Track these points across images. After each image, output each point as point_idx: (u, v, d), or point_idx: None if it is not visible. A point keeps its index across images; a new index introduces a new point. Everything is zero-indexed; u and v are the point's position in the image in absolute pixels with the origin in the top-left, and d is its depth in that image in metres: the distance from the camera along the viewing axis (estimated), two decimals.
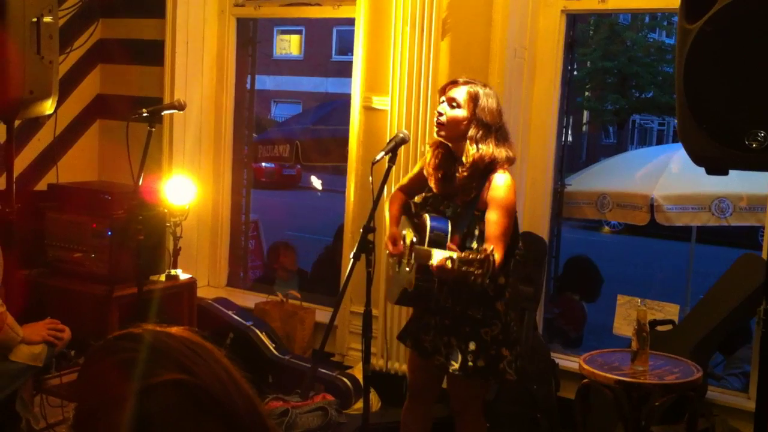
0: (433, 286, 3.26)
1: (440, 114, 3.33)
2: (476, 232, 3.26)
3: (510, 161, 3.32)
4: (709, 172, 2.75)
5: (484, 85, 3.38)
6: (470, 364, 3.30)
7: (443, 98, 3.36)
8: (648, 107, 24.03)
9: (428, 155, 3.47)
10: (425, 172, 3.47)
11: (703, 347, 4.02)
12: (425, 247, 3.18)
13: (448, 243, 3.18)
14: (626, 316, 4.26)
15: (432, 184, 3.43)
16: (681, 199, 6.22)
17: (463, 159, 3.29)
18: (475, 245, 3.23)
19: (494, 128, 3.30)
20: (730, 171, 2.75)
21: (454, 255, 2.92)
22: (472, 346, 3.30)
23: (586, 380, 3.59)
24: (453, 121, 3.31)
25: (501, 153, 3.28)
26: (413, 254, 3.28)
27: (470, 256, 2.88)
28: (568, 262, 6.43)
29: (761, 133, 2.49)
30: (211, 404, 1.14)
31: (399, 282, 3.41)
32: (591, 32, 22.52)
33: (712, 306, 4.13)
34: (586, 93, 23.95)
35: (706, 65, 2.59)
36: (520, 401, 4.31)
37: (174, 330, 1.24)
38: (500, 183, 3.25)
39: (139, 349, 1.17)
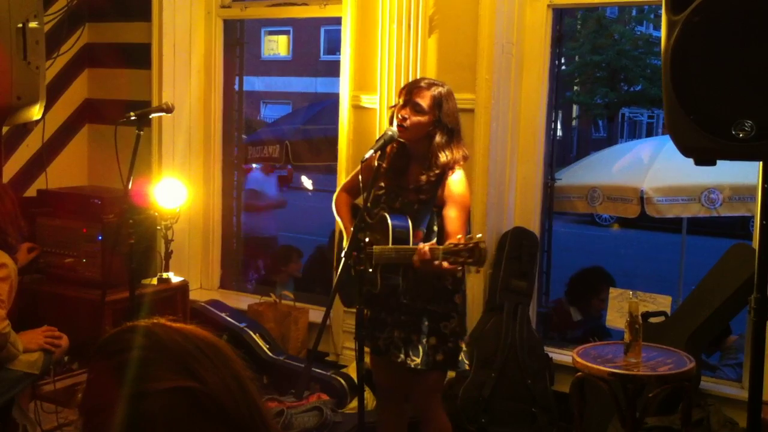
0: (398, 282, 3.32)
1: (404, 119, 3.36)
2: (435, 228, 3.36)
3: (465, 159, 3.44)
4: (698, 162, 2.75)
5: (443, 85, 3.44)
6: (431, 359, 3.37)
7: (406, 100, 3.38)
8: (637, 100, 24.07)
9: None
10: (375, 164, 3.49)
11: (697, 338, 4.03)
12: (390, 245, 3.26)
13: (411, 239, 3.27)
14: (619, 308, 4.27)
15: (383, 177, 3.47)
16: (671, 190, 6.23)
17: (433, 165, 3.35)
18: (435, 241, 3.30)
19: (455, 132, 3.40)
20: (720, 161, 2.76)
21: (438, 248, 3.02)
22: (432, 340, 3.38)
23: (580, 373, 3.59)
24: (416, 126, 3.36)
25: (459, 154, 3.40)
26: (374, 254, 3.30)
27: (457, 248, 2.98)
28: (578, 275, 6.43)
29: (748, 122, 2.50)
30: (218, 413, 1.13)
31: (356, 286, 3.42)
32: (579, 26, 22.55)
33: (704, 297, 4.14)
34: (576, 87, 24.00)
35: (692, 56, 2.60)
36: (517, 397, 4.32)
37: (187, 328, 1.22)
38: (456, 180, 3.36)
39: (149, 347, 1.17)
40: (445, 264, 3.05)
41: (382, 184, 3.50)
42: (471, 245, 2.95)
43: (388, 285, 3.34)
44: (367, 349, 3.70)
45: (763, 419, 2.97)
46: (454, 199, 3.34)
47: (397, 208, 3.42)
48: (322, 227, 7.68)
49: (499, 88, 4.48)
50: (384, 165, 3.41)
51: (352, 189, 3.68)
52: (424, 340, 3.37)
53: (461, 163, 3.41)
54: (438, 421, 3.56)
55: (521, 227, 4.58)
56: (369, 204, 3.48)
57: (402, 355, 3.40)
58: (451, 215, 3.32)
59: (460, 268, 3.14)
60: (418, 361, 3.37)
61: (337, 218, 3.64)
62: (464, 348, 3.49)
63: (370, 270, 3.33)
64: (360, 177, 3.43)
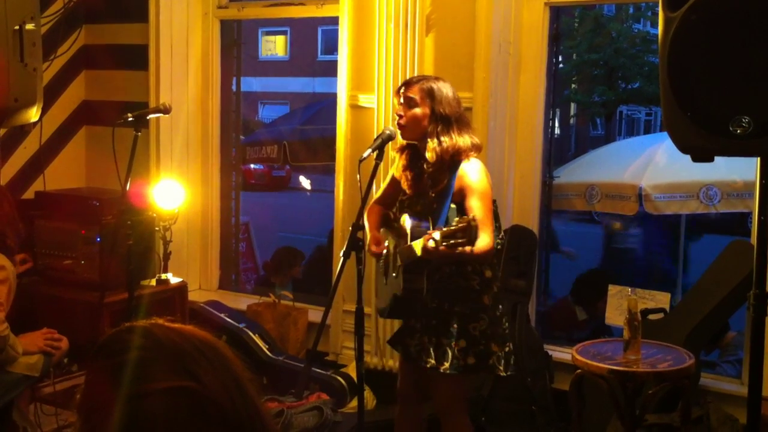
0: (422, 286, 3.25)
1: (400, 116, 3.36)
2: (454, 224, 3.28)
3: (476, 148, 3.37)
4: (695, 159, 2.75)
5: (437, 79, 3.42)
6: (461, 362, 3.31)
7: (400, 98, 3.38)
8: (635, 98, 24.04)
9: (397, 159, 3.50)
10: (397, 176, 3.49)
11: (696, 335, 4.03)
12: (408, 243, 3.22)
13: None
14: (618, 306, 4.27)
15: (404, 185, 3.47)
16: (669, 187, 6.23)
17: (427, 155, 3.32)
18: None
19: (454, 119, 3.34)
20: (717, 158, 2.76)
21: (435, 234, 2.93)
22: (461, 343, 3.31)
23: (579, 371, 3.59)
24: (413, 120, 3.34)
25: (465, 141, 3.33)
26: (398, 257, 3.29)
27: (451, 229, 2.88)
28: (584, 276, 6.44)
29: (745, 119, 2.50)
30: (216, 414, 1.13)
31: (388, 294, 3.41)
32: (576, 25, 22.52)
33: (703, 294, 4.14)
34: (573, 86, 23.97)
35: (689, 53, 2.60)
36: (516, 395, 4.31)
37: (185, 329, 1.22)
38: (471, 170, 3.29)
39: (148, 347, 1.16)
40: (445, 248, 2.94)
41: (408, 191, 3.48)
42: (463, 224, 2.85)
43: (413, 288, 3.28)
44: (365, 353, 3.70)
45: (763, 415, 2.98)
46: (472, 188, 3.26)
47: (418, 211, 3.39)
48: (321, 228, 7.67)
49: (497, 87, 4.48)
50: (408, 174, 3.43)
51: (383, 200, 3.67)
52: (453, 344, 3.32)
53: (473, 153, 3.34)
54: (460, 426, 3.49)
55: (520, 225, 4.58)
56: (393, 210, 3.53)
57: (432, 360, 3.35)
58: (473, 205, 3.24)
59: (464, 250, 2.97)
60: (447, 365, 3.31)
61: (366, 227, 3.58)
62: (498, 351, 3.36)
63: (394, 275, 3.32)
64: (390, 187, 3.44)
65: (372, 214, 3.60)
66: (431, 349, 3.36)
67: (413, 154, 3.45)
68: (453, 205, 3.30)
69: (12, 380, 3.78)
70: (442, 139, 3.29)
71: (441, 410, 3.53)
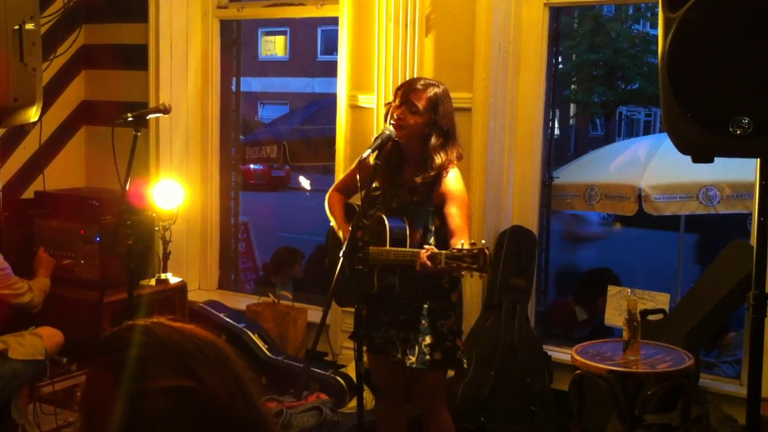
0: (395, 282, 3.34)
1: (400, 119, 3.36)
2: (432, 228, 3.37)
3: (459, 158, 3.45)
4: (695, 160, 2.75)
5: (439, 85, 3.43)
6: (428, 357, 3.38)
7: (402, 101, 3.37)
8: (634, 98, 24.08)
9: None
10: (372, 162, 3.47)
11: (695, 335, 4.04)
12: (388, 248, 3.26)
13: (409, 240, 3.27)
14: (617, 306, 4.27)
15: (378, 177, 3.46)
16: (668, 188, 6.23)
17: (428, 167, 3.36)
18: (433, 240, 3.33)
19: (451, 133, 3.40)
20: (717, 159, 2.76)
21: (441, 253, 3.02)
22: (428, 339, 3.39)
23: (579, 371, 3.59)
24: (413, 126, 3.37)
25: (453, 154, 3.41)
26: (368, 254, 3.30)
27: (461, 253, 2.97)
28: (589, 273, 6.45)
29: (745, 119, 2.50)
30: (216, 413, 1.13)
31: (351, 286, 3.41)
32: (576, 25, 22.55)
33: (702, 294, 4.14)
34: (573, 86, 23.99)
35: (689, 53, 2.60)
36: (516, 395, 4.32)
37: (186, 327, 1.22)
38: (453, 178, 3.38)
39: (149, 345, 1.16)
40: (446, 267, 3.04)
41: (377, 184, 3.49)
42: (475, 251, 2.95)
43: (385, 285, 3.35)
44: (365, 348, 3.71)
45: (762, 416, 2.97)
46: (454, 196, 3.34)
47: (394, 208, 3.42)
48: (321, 227, 7.67)
49: (497, 87, 4.48)
50: (379, 164, 3.42)
51: (345, 188, 3.68)
52: (420, 339, 3.39)
53: (455, 162, 3.42)
54: (441, 421, 3.56)
55: (519, 226, 4.59)
56: (366, 204, 3.49)
57: (399, 354, 3.42)
58: (454, 212, 3.31)
59: (463, 273, 3.12)
60: (414, 359, 3.38)
61: (330, 217, 3.63)
62: (463, 346, 3.50)
63: (367, 271, 3.33)
64: (358, 176, 3.38)
65: (335, 206, 3.62)
66: (397, 343, 3.42)
67: (393, 148, 3.46)
68: (431, 209, 3.37)
69: (10, 371, 3.78)
70: (442, 154, 3.36)
71: (423, 406, 3.61)
